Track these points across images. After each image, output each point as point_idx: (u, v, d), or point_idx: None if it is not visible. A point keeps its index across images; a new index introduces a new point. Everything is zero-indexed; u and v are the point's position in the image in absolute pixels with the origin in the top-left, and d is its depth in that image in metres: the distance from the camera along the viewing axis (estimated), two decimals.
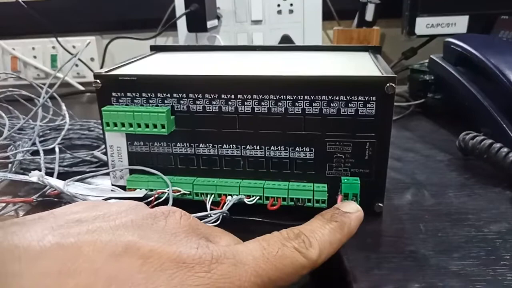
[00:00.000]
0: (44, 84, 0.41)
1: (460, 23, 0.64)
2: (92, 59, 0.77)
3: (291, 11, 0.70)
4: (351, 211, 0.23)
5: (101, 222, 0.17)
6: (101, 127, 0.47)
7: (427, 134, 0.46)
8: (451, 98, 0.49)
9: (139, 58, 0.36)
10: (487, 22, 0.63)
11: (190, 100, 0.29)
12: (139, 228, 0.17)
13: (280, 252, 0.19)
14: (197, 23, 0.62)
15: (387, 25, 0.75)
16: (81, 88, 0.74)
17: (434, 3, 0.63)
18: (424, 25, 0.64)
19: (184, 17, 0.63)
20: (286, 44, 0.69)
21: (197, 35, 0.69)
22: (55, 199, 0.31)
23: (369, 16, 0.69)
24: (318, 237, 0.21)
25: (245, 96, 0.28)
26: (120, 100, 0.30)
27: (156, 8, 0.73)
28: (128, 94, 0.29)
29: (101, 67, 0.75)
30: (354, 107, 0.27)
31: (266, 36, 0.71)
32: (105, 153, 0.40)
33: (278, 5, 0.70)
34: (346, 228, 0.22)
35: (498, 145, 0.34)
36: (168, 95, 0.29)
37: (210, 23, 0.64)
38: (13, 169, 0.37)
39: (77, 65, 0.75)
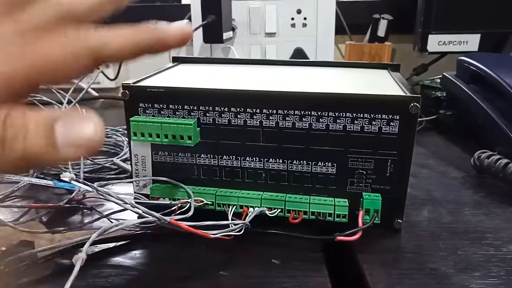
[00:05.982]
0: (63, 91, 0.41)
1: (471, 41, 0.65)
2: (106, 66, 0.78)
3: (304, 25, 0.72)
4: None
5: None
6: (118, 134, 0.48)
7: (440, 151, 0.47)
8: (464, 115, 0.50)
9: (163, 69, 0.37)
10: (498, 41, 0.64)
11: (216, 113, 0.30)
12: None
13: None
14: (213, 34, 0.63)
15: (399, 40, 0.76)
16: (95, 94, 0.75)
17: (447, 21, 0.64)
18: (436, 42, 0.65)
19: (200, 28, 0.65)
20: (299, 57, 0.70)
21: (211, 46, 0.71)
22: (80, 206, 0.31)
23: (381, 32, 0.71)
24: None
25: (270, 111, 0.29)
26: (147, 111, 0.30)
27: (171, 17, 0.73)
28: (156, 106, 0.30)
29: (117, 75, 0.76)
30: (378, 125, 0.28)
31: (279, 48, 0.72)
32: (125, 160, 0.41)
33: (292, 19, 0.71)
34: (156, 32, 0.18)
35: None
36: (195, 108, 0.30)
37: (225, 35, 0.65)
38: (35, 174, 0.38)
39: None
